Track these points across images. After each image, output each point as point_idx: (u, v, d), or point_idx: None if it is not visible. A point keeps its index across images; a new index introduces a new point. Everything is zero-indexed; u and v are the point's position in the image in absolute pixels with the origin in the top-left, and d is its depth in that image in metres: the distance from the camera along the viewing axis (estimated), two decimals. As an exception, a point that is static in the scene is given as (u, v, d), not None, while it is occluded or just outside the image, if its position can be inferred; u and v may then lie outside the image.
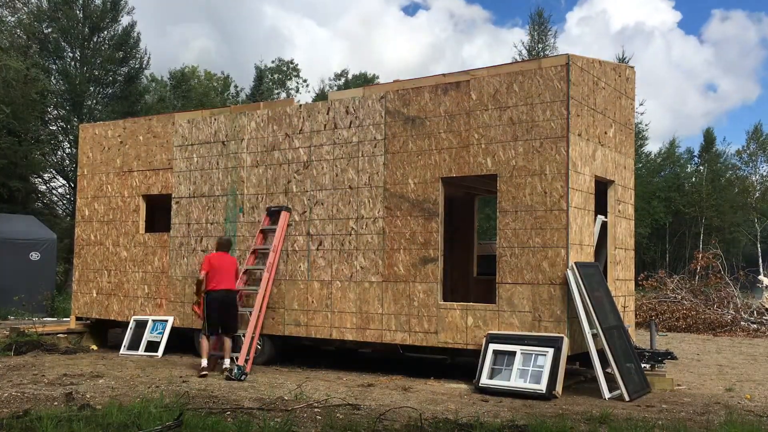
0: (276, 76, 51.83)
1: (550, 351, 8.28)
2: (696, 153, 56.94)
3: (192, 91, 41.09)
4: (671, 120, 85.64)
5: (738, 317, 17.79)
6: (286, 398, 7.73)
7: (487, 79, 9.22)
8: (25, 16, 26.69)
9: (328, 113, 10.40)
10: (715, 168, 52.92)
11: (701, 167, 54.51)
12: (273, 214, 10.78)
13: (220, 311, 9.72)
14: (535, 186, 8.79)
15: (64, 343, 12.40)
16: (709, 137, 55.91)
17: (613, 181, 10.17)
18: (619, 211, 10.39)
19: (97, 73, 30.81)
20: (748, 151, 54.11)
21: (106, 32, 31.82)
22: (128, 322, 11.94)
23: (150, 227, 12.45)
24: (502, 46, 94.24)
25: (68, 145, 30.57)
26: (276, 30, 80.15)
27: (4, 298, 17.07)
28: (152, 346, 11.36)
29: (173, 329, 11.47)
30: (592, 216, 9.31)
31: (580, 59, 9.07)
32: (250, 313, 10.27)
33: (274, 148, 10.85)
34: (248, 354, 9.82)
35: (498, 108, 9.10)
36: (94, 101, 31.65)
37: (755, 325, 17.40)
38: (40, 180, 30.22)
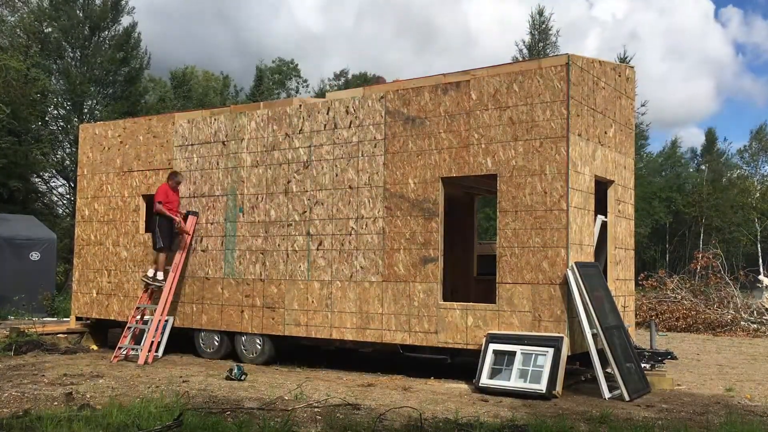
0: (276, 76, 51.86)
1: (550, 351, 8.28)
2: (698, 152, 57.15)
3: (192, 91, 41.11)
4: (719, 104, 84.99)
5: (738, 317, 17.78)
6: (286, 398, 7.73)
7: (487, 79, 9.22)
8: (25, 16, 26.69)
9: (328, 113, 10.40)
10: (716, 168, 52.98)
11: (703, 166, 54.61)
12: (183, 218, 11.48)
13: None
14: (535, 186, 8.79)
15: (64, 343, 12.40)
16: (710, 137, 56.06)
17: (613, 181, 10.17)
18: (619, 211, 10.39)
19: (97, 73, 30.81)
20: (749, 151, 54.22)
21: (106, 32, 31.83)
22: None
23: (150, 227, 12.44)
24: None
25: (68, 145, 30.57)
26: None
27: (4, 298, 17.07)
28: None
29: (173, 329, 11.48)
30: (592, 216, 9.31)
31: (580, 59, 9.08)
32: (155, 309, 11.07)
33: (274, 148, 10.86)
34: (150, 348, 10.79)
35: (498, 108, 9.10)
36: (95, 101, 31.65)
37: (755, 325, 17.39)
38: (40, 180, 30.23)
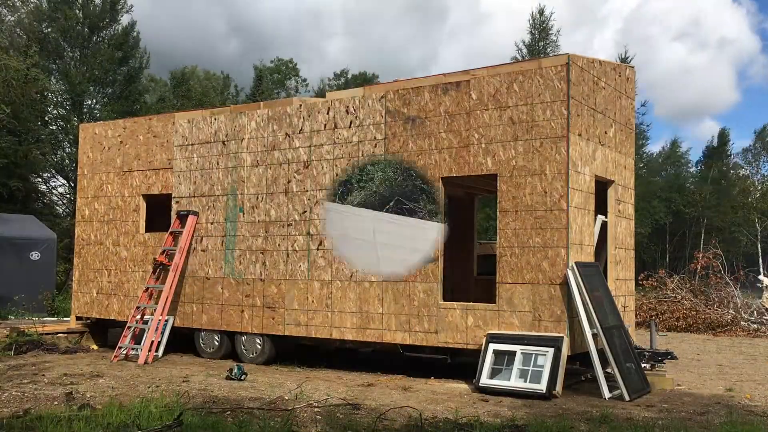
0: (275, 75, 51.85)
1: (550, 351, 8.28)
2: (703, 153, 57.08)
3: (192, 91, 41.10)
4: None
5: (738, 317, 17.79)
6: (286, 398, 7.73)
7: (487, 79, 9.22)
8: (24, 16, 26.68)
9: (328, 113, 10.40)
10: (722, 169, 52.94)
11: (709, 168, 54.56)
12: (182, 218, 11.50)
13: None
14: (535, 186, 8.78)
15: (64, 342, 12.40)
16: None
17: (613, 181, 10.17)
18: (619, 210, 10.38)
19: (96, 73, 30.80)
20: (753, 151, 54.26)
21: (105, 32, 31.83)
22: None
23: (150, 227, 12.45)
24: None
25: (68, 145, 30.56)
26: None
27: (5, 297, 17.07)
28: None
29: (173, 329, 11.48)
30: (592, 216, 9.31)
31: (580, 59, 9.07)
32: (155, 309, 11.09)
33: (274, 148, 10.85)
34: (150, 348, 10.80)
35: (498, 108, 9.10)
36: (94, 101, 31.65)
37: (755, 325, 17.40)
38: (40, 180, 30.22)
